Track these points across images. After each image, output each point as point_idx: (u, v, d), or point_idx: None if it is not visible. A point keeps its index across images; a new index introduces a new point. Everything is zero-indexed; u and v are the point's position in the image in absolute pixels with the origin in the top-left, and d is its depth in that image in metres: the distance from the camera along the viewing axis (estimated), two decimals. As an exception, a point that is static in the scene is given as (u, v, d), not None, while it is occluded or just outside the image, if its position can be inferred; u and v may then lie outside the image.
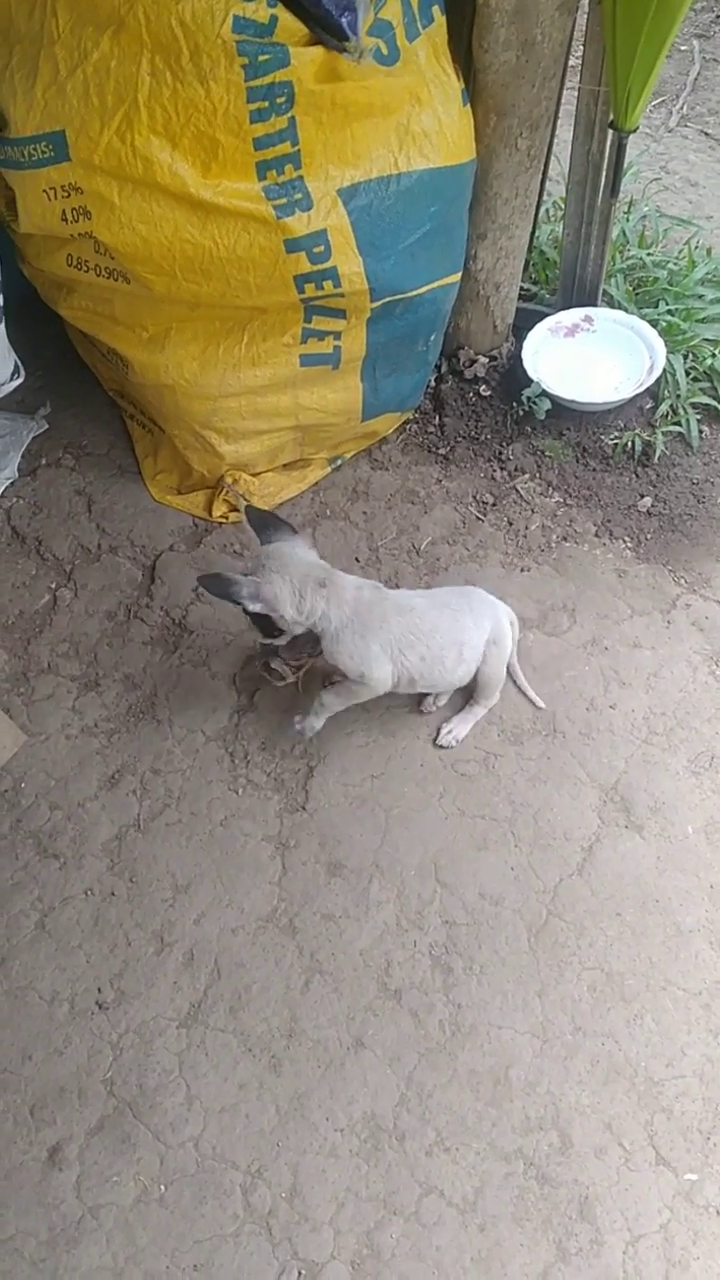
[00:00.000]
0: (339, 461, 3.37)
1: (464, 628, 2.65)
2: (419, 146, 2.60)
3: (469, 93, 2.75)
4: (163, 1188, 2.22)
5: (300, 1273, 2.13)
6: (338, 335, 2.84)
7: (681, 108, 4.89)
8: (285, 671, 2.73)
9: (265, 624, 2.49)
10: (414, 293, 2.80)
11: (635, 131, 2.90)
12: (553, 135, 3.12)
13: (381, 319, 2.83)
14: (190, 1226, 2.18)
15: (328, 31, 2.36)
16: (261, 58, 2.30)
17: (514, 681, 2.89)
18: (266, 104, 2.36)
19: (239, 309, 2.68)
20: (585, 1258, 2.15)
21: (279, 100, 2.36)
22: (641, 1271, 2.13)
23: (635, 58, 2.64)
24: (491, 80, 2.76)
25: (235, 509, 3.21)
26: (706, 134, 4.75)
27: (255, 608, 2.40)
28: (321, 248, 2.55)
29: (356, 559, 3.17)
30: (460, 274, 2.99)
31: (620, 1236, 2.17)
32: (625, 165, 3.06)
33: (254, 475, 3.24)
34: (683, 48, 5.22)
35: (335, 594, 2.46)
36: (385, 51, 2.49)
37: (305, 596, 2.42)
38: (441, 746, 2.80)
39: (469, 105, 2.75)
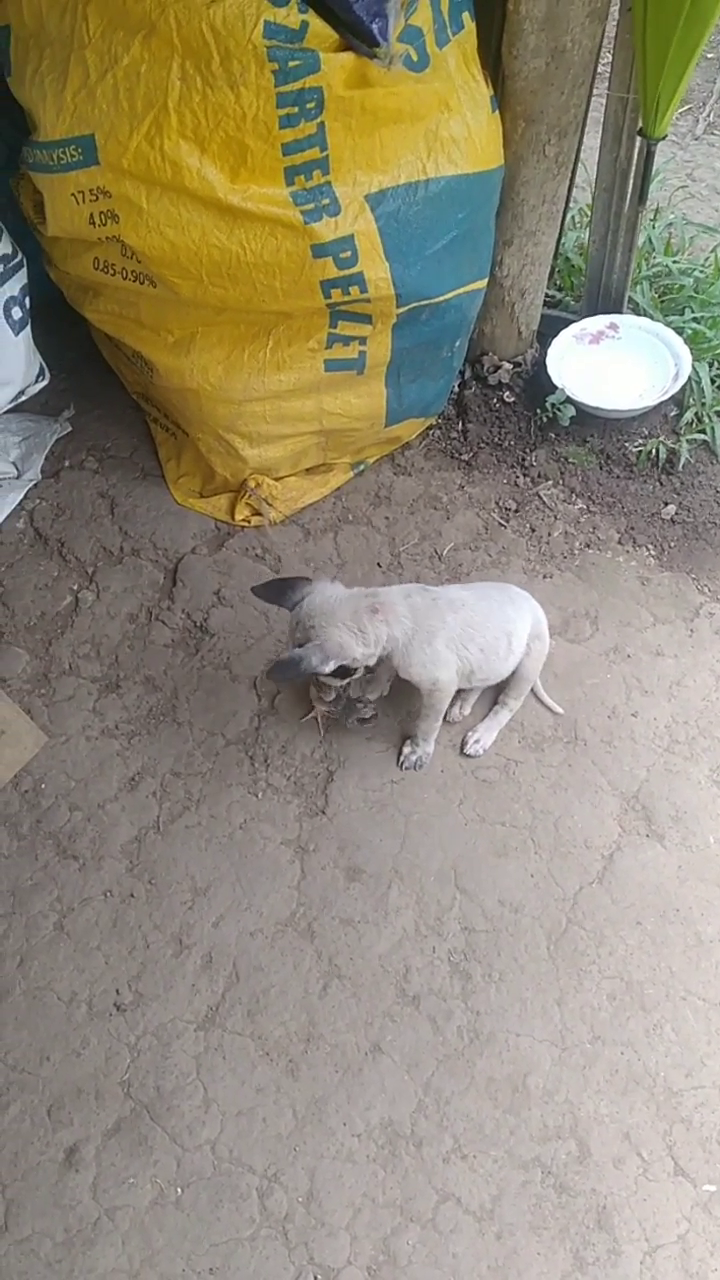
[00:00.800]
0: (362, 466, 3.38)
1: (509, 618, 2.68)
2: (447, 153, 2.60)
3: (498, 99, 2.75)
4: (179, 1190, 2.22)
5: (316, 1278, 2.13)
6: (363, 340, 2.84)
7: (709, 115, 4.88)
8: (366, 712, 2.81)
9: (343, 671, 2.46)
10: (440, 299, 2.80)
11: (663, 139, 2.90)
12: (580, 142, 3.11)
13: (407, 325, 2.83)
14: (206, 1230, 2.18)
15: (358, 37, 2.36)
16: (292, 63, 2.30)
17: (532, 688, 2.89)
18: (296, 109, 2.36)
19: (265, 314, 2.69)
20: (602, 1267, 2.14)
21: (309, 106, 2.36)
22: (659, 1283, 2.13)
23: (665, 65, 2.64)
24: (521, 87, 2.76)
25: (258, 512, 3.22)
26: (733, 142, 4.74)
27: (330, 667, 2.36)
28: (348, 253, 2.55)
29: (378, 564, 3.16)
30: (486, 280, 2.99)
31: (638, 1247, 2.16)
32: (653, 173, 3.06)
33: (277, 479, 3.24)
34: (709, 55, 5.21)
35: (390, 613, 2.44)
36: (415, 58, 2.49)
37: (365, 629, 2.40)
38: (469, 755, 2.80)
39: (498, 112, 2.75)
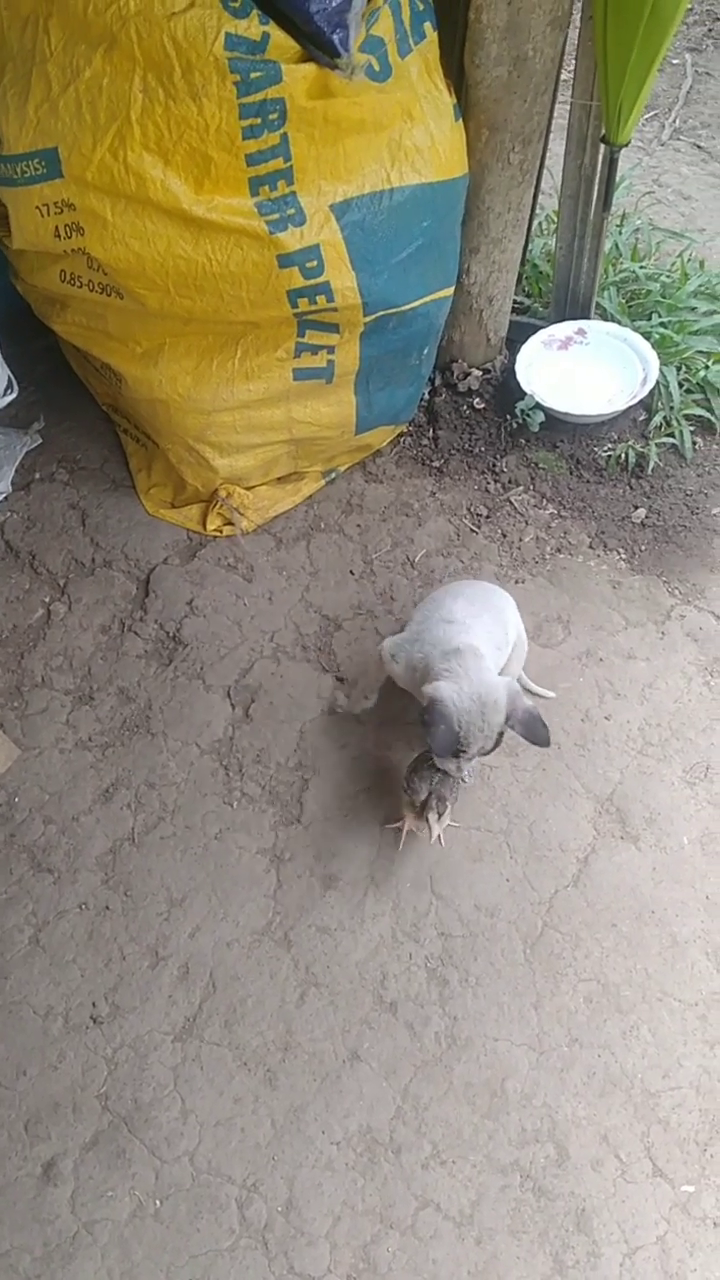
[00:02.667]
0: (333, 474, 3.38)
1: (506, 622, 2.57)
2: (411, 162, 2.62)
3: (461, 108, 2.77)
4: (158, 1203, 2.22)
5: (296, 1288, 2.13)
6: (331, 349, 2.85)
7: (674, 121, 4.91)
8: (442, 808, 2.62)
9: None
10: (407, 307, 2.81)
11: (627, 146, 2.92)
12: (545, 149, 3.13)
13: (374, 333, 2.84)
14: (185, 1241, 2.17)
15: (319, 48, 2.37)
16: (254, 74, 2.31)
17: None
18: (259, 120, 2.37)
19: (232, 324, 2.69)
20: (582, 1270, 2.14)
21: (271, 116, 2.37)
22: (638, 1284, 2.13)
23: (626, 72, 2.66)
24: (484, 95, 2.78)
25: (229, 522, 3.22)
26: (699, 147, 4.77)
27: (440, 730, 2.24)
28: (314, 263, 2.56)
29: (351, 572, 3.17)
30: (453, 288, 3.00)
31: (617, 1249, 2.17)
32: (617, 179, 3.08)
33: (248, 489, 3.24)
34: (675, 61, 5.25)
35: (471, 661, 2.30)
36: (377, 68, 2.50)
37: (469, 671, 2.28)
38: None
39: (461, 120, 2.76)
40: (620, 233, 3.88)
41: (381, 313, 2.76)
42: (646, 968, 2.49)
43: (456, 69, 2.76)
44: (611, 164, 2.99)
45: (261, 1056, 2.39)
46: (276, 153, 2.43)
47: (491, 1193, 2.23)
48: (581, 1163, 2.26)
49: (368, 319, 2.75)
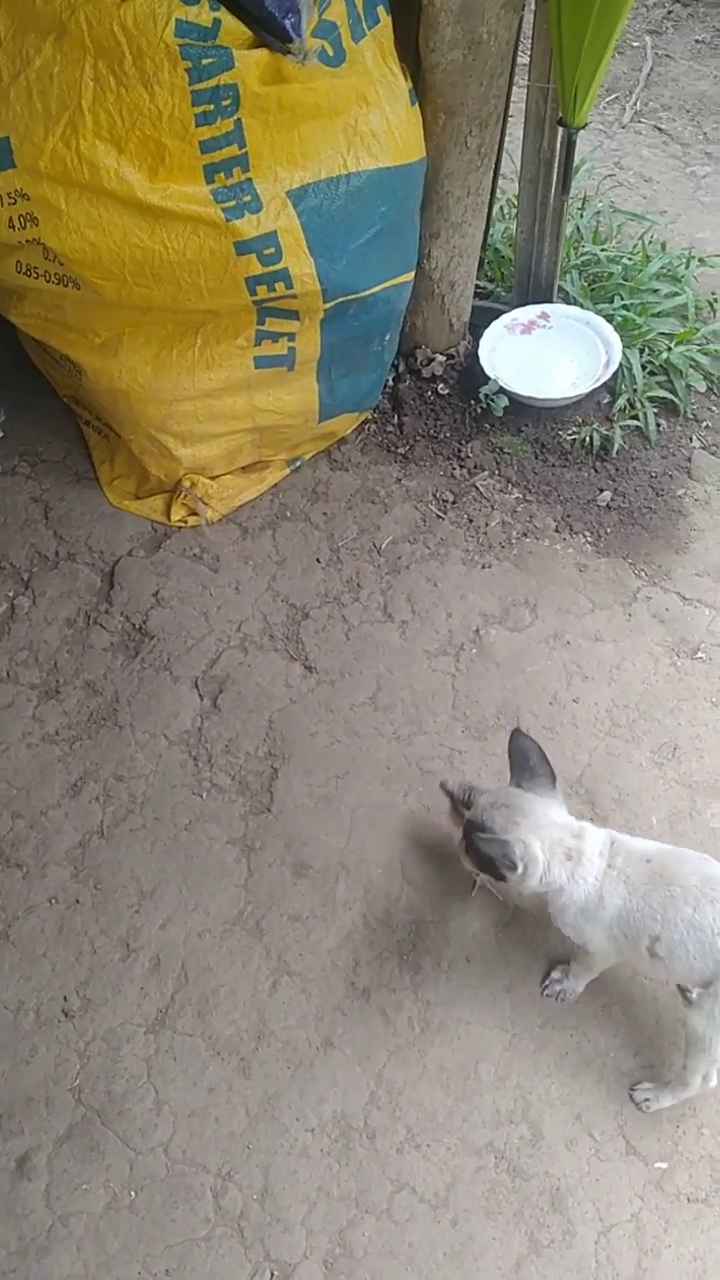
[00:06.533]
0: (298, 463, 3.37)
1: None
2: (367, 147, 2.61)
3: (417, 92, 2.76)
4: (133, 1194, 2.22)
5: (273, 1274, 2.13)
6: (291, 337, 2.84)
7: (635, 104, 4.92)
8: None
9: (495, 870, 2.16)
10: (367, 293, 2.80)
11: (584, 128, 2.92)
12: (503, 133, 3.14)
13: (335, 319, 2.83)
14: (161, 1231, 2.17)
15: (271, 34, 2.36)
16: (205, 61, 2.30)
17: None
18: (212, 107, 2.36)
19: (191, 312, 2.68)
20: (558, 1249, 2.16)
21: (224, 103, 2.36)
22: (614, 1261, 2.14)
23: (581, 55, 2.66)
24: (439, 79, 2.77)
25: (194, 512, 3.20)
26: (660, 129, 4.78)
27: (514, 872, 2.09)
28: (272, 249, 2.55)
29: (318, 560, 3.17)
30: (413, 273, 3.00)
31: (592, 1227, 2.18)
32: (577, 162, 3.09)
33: (212, 478, 3.23)
34: (635, 44, 5.25)
35: (582, 869, 2.11)
36: (331, 53, 2.49)
37: (551, 868, 2.11)
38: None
39: (417, 105, 2.75)
40: (582, 216, 3.88)
41: (341, 299, 2.75)
42: (617, 948, 2.50)
43: (412, 53, 2.75)
44: (569, 147, 2.99)
45: (235, 1046, 2.39)
46: (231, 139, 2.42)
47: (466, 1174, 2.23)
48: (555, 1142, 2.27)
49: (328, 305, 2.75)
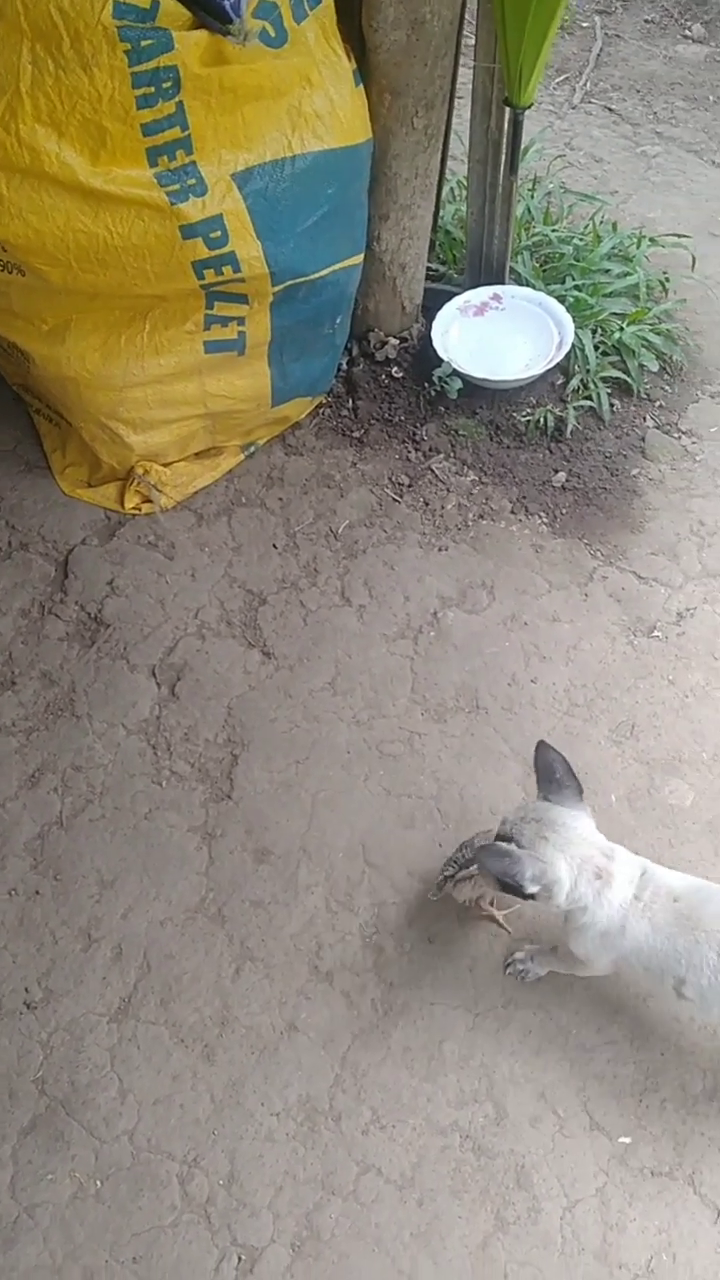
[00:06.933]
0: (252, 448, 3.36)
1: None
2: (312, 128, 2.59)
3: (361, 73, 2.74)
4: (99, 1183, 2.21)
5: (240, 1258, 2.13)
6: (241, 321, 2.82)
7: (585, 84, 4.92)
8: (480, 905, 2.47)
9: (514, 890, 2.07)
10: (316, 275, 2.79)
11: (530, 108, 2.92)
12: (451, 114, 3.12)
13: (285, 303, 2.82)
14: (128, 1220, 2.17)
15: (211, 15, 2.34)
16: (144, 43, 2.27)
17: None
18: (153, 89, 2.33)
19: (139, 298, 2.66)
20: (523, 1225, 2.17)
21: (165, 85, 2.33)
22: (579, 1236, 2.16)
23: (524, 34, 2.65)
24: (383, 60, 2.76)
25: (148, 500, 3.18)
26: (610, 110, 4.78)
27: (532, 890, 2.03)
28: (218, 233, 2.53)
29: (274, 545, 3.16)
30: (363, 255, 2.99)
31: (557, 1203, 2.20)
32: (528, 142, 3.09)
33: (165, 465, 3.21)
34: (584, 24, 5.25)
35: (610, 891, 2.06)
36: (272, 34, 2.47)
37: (578, 885, 2.05)
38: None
39: (361, 86, 2.73)
40: (533, 197, 3.87)
41: (290, 282, 2.74)
42: (579, 924, 2.51)
43: (356, 34, 2.73)
44: (517, 127, 2.98)
45: (199, 1033, 2.39)
46: (173, 122, 2.39)
47: (432, 1154, 2.24)
48: (520, 1120, 2.28)
49: (276, 288, 2.73)
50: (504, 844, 2.06)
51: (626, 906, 2.06)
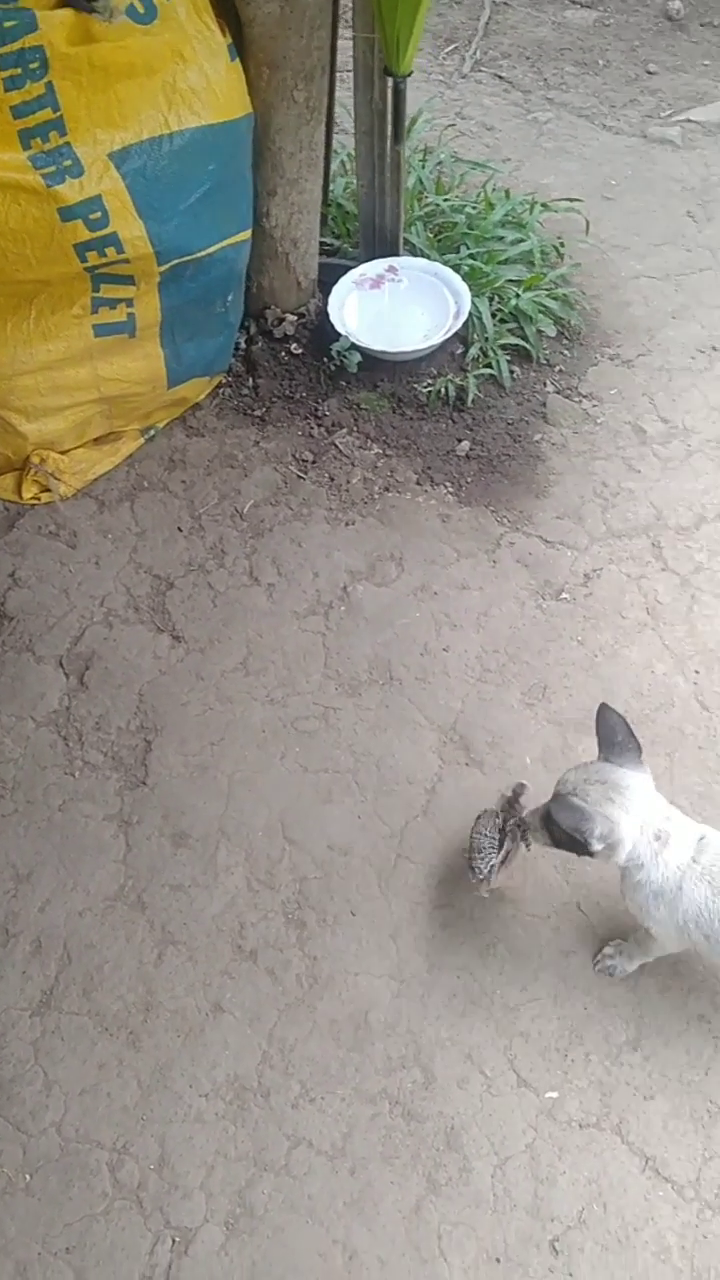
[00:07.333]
0: (152, 432, 3.33)
1: None
2: (188, 104, 2.57)
3: (237, 47, 2.71)
4: (28, 1176, 2.19)
5: (174, 1240, 2.13)
6: (129, 302, 2.79)
7: (475, 53, 4.91)
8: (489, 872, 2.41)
9: (577, 847, 2.11)
10: (203, 253, 2.77)
11: (409, 76, 2.91)
12: (333, 86, 3.11)
13: (172, 282, 2.79)
14: (59, 1211, 2.16)
15: (74, -9, 2.31)
16: (7, 24, 2.25)
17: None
18: (19, 70, 2.30)
19: (21, 283, 2.61)
20: (455, 1186, 2.19)
21: (32, 66, 2.31)
22: (511, 1192, 2.19)
23: (398, 2, 2.65)
24: (259, 33, 2.74)
25: (47, 489, 3.14)
26: (500, 77, 4.79)
27: (597, 848, 2.06)
28: (98, 214, 2.51)
29: (179, 529, 3.14)
30: (250, 231, 2.97)
31: (488, 1161, 2.22)
32: (416, 112, 3.08)
33: (63, 453, 3.17)
34: (473, -7, 5.24)
35: (667, 852, 2.10)
36: (141, 10, 2.45)
37: (638, 846, 2.10)
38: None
39: (238, 60, 2.71)
40: (424, 167, 3.86)
41: (176, 261, 2.72)
42: (498, 887, 2.54)
43: (230, 7, 2.71)
44: (399, 96, 2.98)
45: (123, 1020, 2.37)
46: (43, 103, 2.37)
47: (362, 1123, 2.26)
48: (448, 1083, 2.30)
49: (162, 268, 2.71)
50: (575, 799, 2.09)
51: (684, 869, 2.09)
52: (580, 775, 2.14)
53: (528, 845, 2.35)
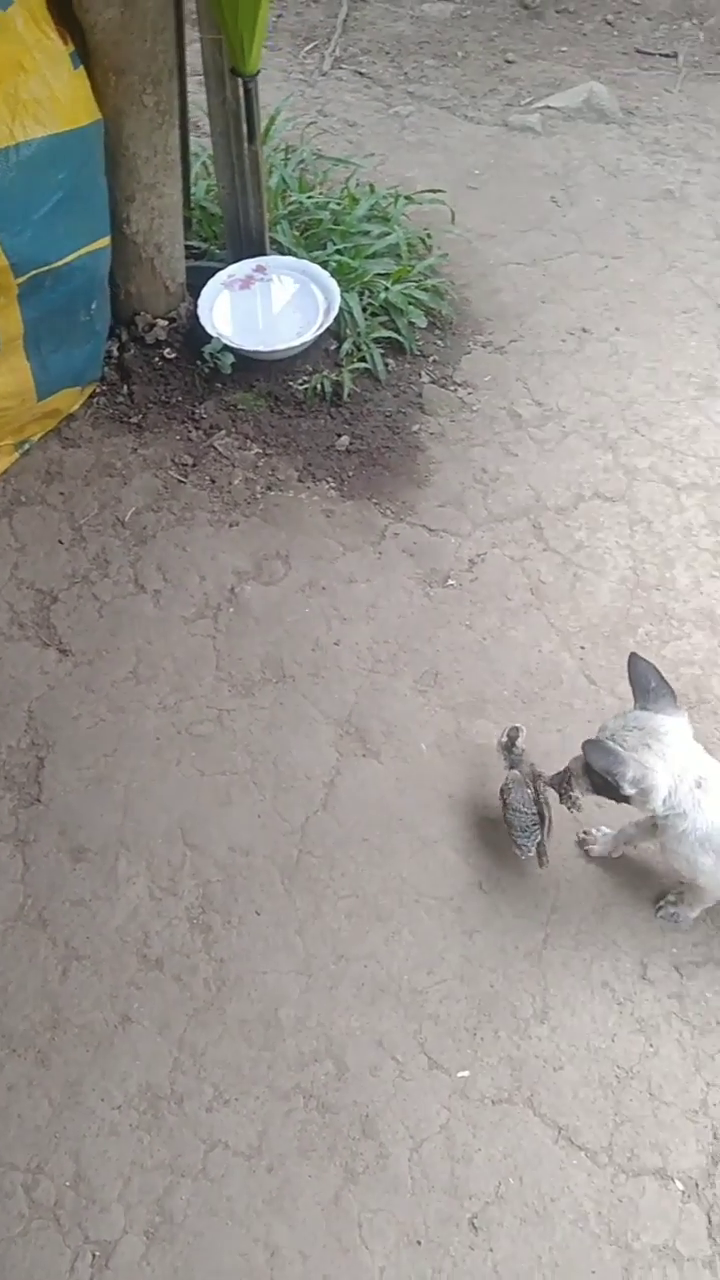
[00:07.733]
0: (27, 445, 3.29)
1: None
2: (32, 114, 2.55)
3: (81, 55, 2.70)
4: (-59, 1206, 2.17)
5: (94, 1255, 2.11)
6: (-11, 317, 2.76)
7: (334, 50, 4.94)
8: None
9: (611, 791, 2.14)
10: (60, 263, 2.75)
11: (257, 75, 2.92)
12: (184, 89, 3.10)
13: (32, 294, 2.76)
14: (-26, 1238, 2.14)
15: None
16: None
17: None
18: None
19: None
20: (373, 1174, 2.20)
21: None
22: (428, 1174, 2.20)
23: (238, 1, 2.65)
24: (101, 39, 2.72)
25: None
26: (361, 73, 4.82)
27: (629, 791, 2.09)
28: (-52, 229, 2.48)
29: (60, 541, 3.11)
30: (109, 238, 2.96)
31: (404, 1146, 2.24)
32: (275, 111, 3.08)
33: (-65, 472, 3.13)
34: (330, -9, 5.27)
35: (708, 799, 2.13)
36: (-24, 20, 2.42)
37: (676, 791, 2.11)
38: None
39: (82, 67, 2.70)
40: (286, 165, 3.88)
41: (34, 272, 2.69)
42: (401, 873, 2.56)
43: (73, 15, 2.69)
44: (250, 95, 2.99)
45: (30, 1039, 2.35)
46: None
47: (277, 1120, 2.26)
48: (360, 1072, 2.32)
49: (20, 280, 2.68)
50: (611, 744, 2.10)
51: None
52: (619, 723, 2.17)
53: (574, 803, 2.36)
